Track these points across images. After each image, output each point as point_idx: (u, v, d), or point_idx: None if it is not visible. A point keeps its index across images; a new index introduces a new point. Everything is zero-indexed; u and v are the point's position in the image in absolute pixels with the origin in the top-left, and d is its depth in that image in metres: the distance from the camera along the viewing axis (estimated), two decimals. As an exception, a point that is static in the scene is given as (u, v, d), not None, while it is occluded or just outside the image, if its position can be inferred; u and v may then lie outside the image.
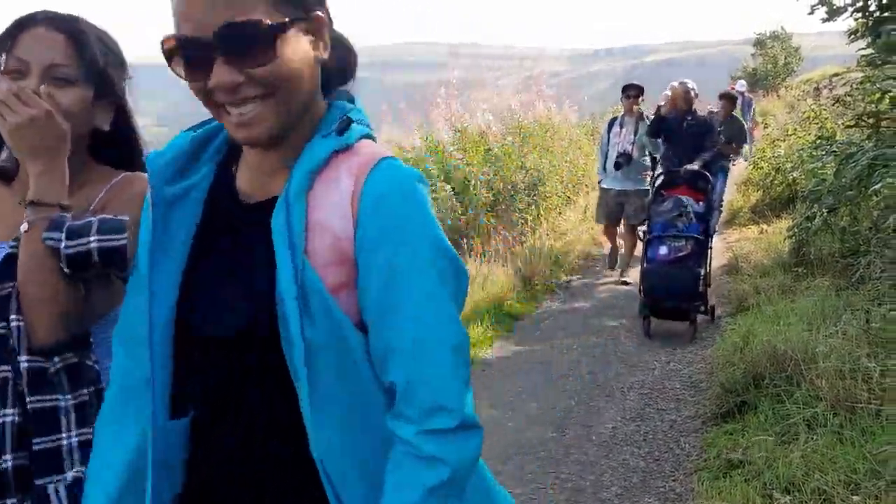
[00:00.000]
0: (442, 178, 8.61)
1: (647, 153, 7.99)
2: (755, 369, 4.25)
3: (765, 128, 14.84)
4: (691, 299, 5.85)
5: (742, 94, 16.45)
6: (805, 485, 3.01)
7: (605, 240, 8.69)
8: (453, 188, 8.54)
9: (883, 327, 3.87)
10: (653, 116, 7.59)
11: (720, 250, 8.85)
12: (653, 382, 5.01)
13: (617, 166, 7.67)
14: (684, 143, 6.94)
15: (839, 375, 3.67)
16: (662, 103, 7.79)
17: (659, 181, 6.69)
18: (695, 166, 6.51)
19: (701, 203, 6.25)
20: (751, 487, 3.18)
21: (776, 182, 10.12)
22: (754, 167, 11.60)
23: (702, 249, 6.04)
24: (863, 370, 3.61)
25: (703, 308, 6.02)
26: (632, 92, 7.97)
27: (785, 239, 7.09)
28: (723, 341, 5.15)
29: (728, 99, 9.42)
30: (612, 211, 7.96)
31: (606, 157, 7.91)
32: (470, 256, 7.71)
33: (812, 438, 3.37)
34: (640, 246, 7.26)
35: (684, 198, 6.19)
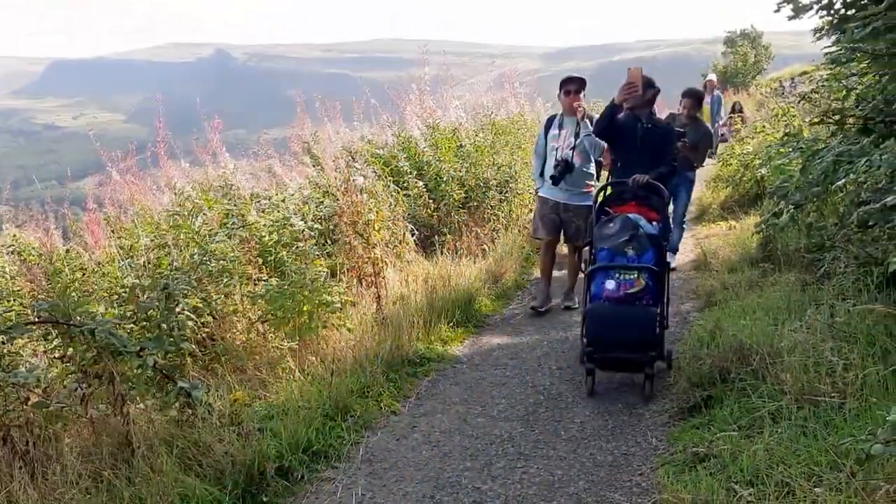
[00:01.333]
0: (414, 174, 8.58)
1: (592, 160, 6.68)
2: (722, 364, 4.29)
3: (735, 127, 14.93)
4: (646, 347, 4.66)
5: (714, 87, 16.38)
6: (769, 478, 3.03)
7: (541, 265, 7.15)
8: (425, 184, 8.51)
9: (847, 322, 3.92)
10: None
11: (690, 246, 8.91)
12: (621, 377, 5.03)
13: (555, 180, 6.48)
14: (638, 150, 5.61)
15: (803, 369, 3.71)
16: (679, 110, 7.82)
17: (603, 196, 5.53)
18: (646, 177, 5.28)
19: (655, 223, 5.12)
20: (716, 481, 3.20)
21: (745, 178, 10.22)
22: (723, 164, 11.70)
23: (658, 283, 4.86)
24: (826, 364, 3.65)
25: (659, 355, 4.79)
26: (572, 87, 6.48)
27: (753, 235, 7.16)
28: (690, 336, 5.19)
29: (692, 98, 8.04)
30: (550, 223, 6.73)
31: (544, 163, 6.75)
32: (441, 253, 7.69)
33: (776, 431, 3.40)
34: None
35: (634, 216, 5.09)
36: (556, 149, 6.54)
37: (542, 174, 6.76)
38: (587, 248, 5.33)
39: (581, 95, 6.55)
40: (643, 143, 5.57)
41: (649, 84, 5.62)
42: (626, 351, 4.67)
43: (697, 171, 8.43)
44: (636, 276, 4.80)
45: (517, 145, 10.38)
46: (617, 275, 4.83)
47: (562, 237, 6.85)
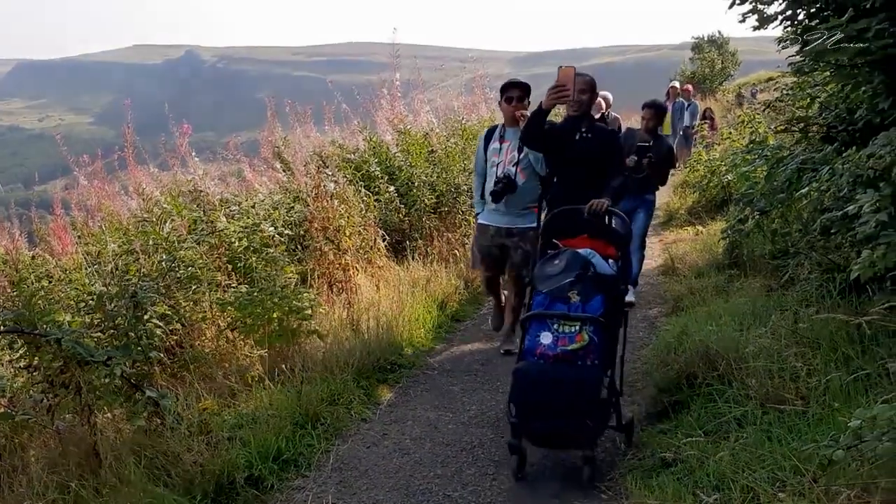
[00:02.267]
0: (385, 179, 8.58)
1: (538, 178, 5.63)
2: (689, 369, 4.34)
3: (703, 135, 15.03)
4: (584, 418, 3.65)
5: (677, 94, 16.27)
6: (734, 483, 3.08)
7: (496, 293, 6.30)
8: (397, 189, 8.51)
9: (810, 328, 3.99)
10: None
11: (657, 251, 9.01)
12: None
13: (495, 196, 5.52)
14: (577, 163, 4.90)
15: (768, 375, 3.77)
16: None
17: (548, 224, 4.48)
18: (605, 201, 4.36)
19: (612, 261, 4.14)
20: (682, 486, 3.25)
21: (711, 184, 10.36)
22: (691, 170, 11.84)
23: (607, 338, 3.88)
24: (790, 370, 3.72)
25: (610, 426, 3.96)
26: (514, 93, 5.60)
27: (719, 240, 7.26)
28: (658, 342, 5.25)
29: (653, 109, 7.12)
30: (491, 258, 5.84)
31: (484, 182, 5.78)
32: (413, 258, 7.70)
33: (742, 436, 3.45)
34: None
35: (586, 252, 4.08)
36: (498, 164, 5.63)
37: (482, 195, 5.82)
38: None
39: (525, 103, 5.73)
40: (583, 154, 4.88)
41: (590, 87, 5.00)
42: (557, 421, 3.69)
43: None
44: (578, 328, 3.79)
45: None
46: (555, 326, 3.83)
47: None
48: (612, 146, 5.06)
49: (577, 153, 4.91)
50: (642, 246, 7.20)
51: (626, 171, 5.80)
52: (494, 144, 5.74)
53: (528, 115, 5.16)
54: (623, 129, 8.10)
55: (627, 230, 4.42)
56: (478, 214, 5.95)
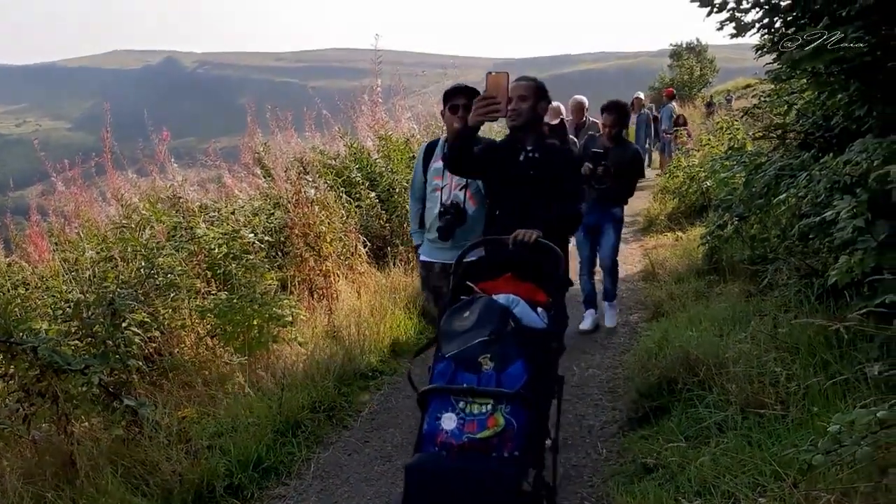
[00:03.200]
0: (367, 185, 8.57)
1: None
2: (670, 374, 4.36)
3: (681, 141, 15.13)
4: None
5: (641, 106, 16.17)
6: (715, 488, 3.09)
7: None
8: (378, 195, 8.50)
9: (789, 333, 4.02)
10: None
11: (638, 257, 9.05)
12: (572, 388, 5.07)
13: (443, 234, 4.33)
14: (521, 189, 3.84)
15: (748, 380, 3.79)
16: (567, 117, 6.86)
17: (460, 262, 3.47)
18: (535, 233, 3.40)
19: (541, 309, 3.20)
20: (664, 491, 3.25)
21: (691, 190, 10.42)
22: (670, 176, 11.91)
23: (532, 419, 2.81)
24: (770, 374, 3.74)
25: None
26: (460, 101, 4.24)
27: (699, 246, 7.30)
28: (639, 347, 5.27)
29: (615, 112, 6.15)
30: (441, 296, 4.39)
31: (424, 209, 4.65)
32: (395, 264, 7.68)
33: (722, 441, 3.46)
34: None
35: (507, 298, 3.14)
36: (442, 188, 4.47)
37: (420, 225, 4.70)
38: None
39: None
40: (527, 177, 3.82)
41: (535, 92, 3.89)
42: None
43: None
44: (491, 408, 2.78)
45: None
46: (461, 405, 2.80)
47: None
48: (566, 166, 3.92)
49: (521, 177, 3.83)
50: (613, 268, 6.40)
51: (587, 185, 5.61)
52: (437, 164, 4.47)
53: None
54: (584, 138, 7.22)
55: (560, 267, 3.37)
56: (417, 247, 4.77)
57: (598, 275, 6.58)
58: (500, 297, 3.15)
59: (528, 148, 3.86)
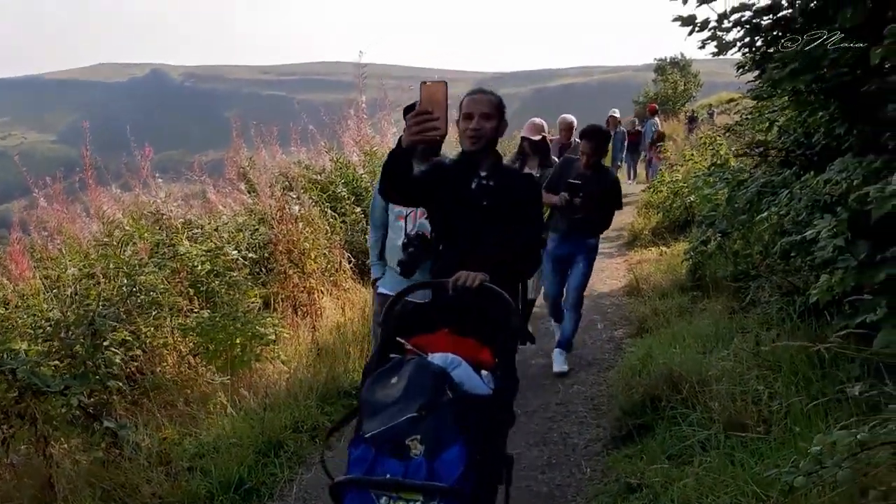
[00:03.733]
0: (352, 199, 8.56)
1: None
2: (653, 392, 4.36)
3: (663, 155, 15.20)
4: None
5: (617, 124, 15.89)
6: (698, 508, 3.08)
7: None
8: (363, 210, 8.49)
9: (771, 351, 4.03)
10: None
11: (622, 272, 9.07)
12: (557, 406, 5.07)
13: (405, 268, 3.85)
14: (473, 221, 3.19)
15: (731, 398, 3.79)
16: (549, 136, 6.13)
17: (388, 313, 2.94)
18: (478, 277, 2.84)
19: (486, 372, 2.69)
20: (647, 512, 3.25)
21: (675, 205, 10.47)
22: (654, 191, 11.97)
23: None
24: (752, 393, 3.74)
25: None
26: None
27: (683, 261, 7.32)
28: (623, 364, 5.27)
29: (593, 139, 5.52)
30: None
31: (384, 241, 4.41)
32: (379, 280, 7.66)
33: (706, 460, 3.46)
34: None
35: (444, 359, 2.59)
36: (406, 216, 4.17)
37: (380, 256, 4.45)
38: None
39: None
40: (481, 208, 3.15)
41: (497, 109, 3.20)
42: None
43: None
44: None
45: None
46: (383, 500, 2.29)
47: None
48: (526, 196, 3.24)
49: (472, 207, 3.14)
50: (579, 304, 5.78)
51: (560, 214, 5.45)
52: None
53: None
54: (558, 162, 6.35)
55: (514, 321, 2.81)
56: (376, 280, 4.48)
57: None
58: (437, 358, 2.57)
59: (483, 173, 3.16)
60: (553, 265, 5.81)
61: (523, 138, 6.35)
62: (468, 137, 3.12)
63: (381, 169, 3.09)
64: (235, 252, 6.10)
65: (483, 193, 3.15)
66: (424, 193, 3.21)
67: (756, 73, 4.89)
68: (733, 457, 3.39)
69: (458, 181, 3.19)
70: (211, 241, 6.31)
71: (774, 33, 4.37)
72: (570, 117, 8.37)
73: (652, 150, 15.95)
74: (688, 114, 23.04)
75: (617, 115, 15.93)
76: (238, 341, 5.18)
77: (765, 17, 4.25)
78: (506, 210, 3.14)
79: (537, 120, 6.42)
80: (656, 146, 15.60)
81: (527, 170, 6.30)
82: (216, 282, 5.85)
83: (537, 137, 6.22)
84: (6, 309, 5.21)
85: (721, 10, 4.15)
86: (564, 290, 5.89)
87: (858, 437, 2.40)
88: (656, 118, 17.43)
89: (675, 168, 12.24)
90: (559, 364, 5.72)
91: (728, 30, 4.38)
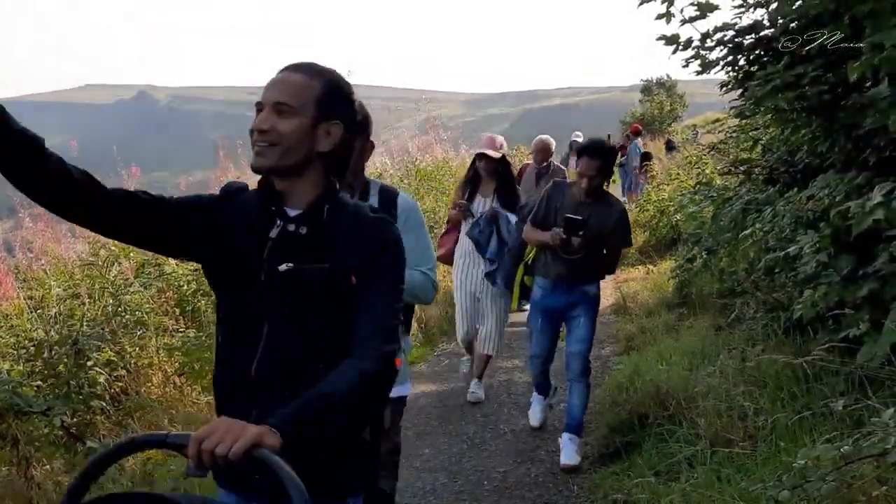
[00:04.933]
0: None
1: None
2: (640, 409, 4.36)
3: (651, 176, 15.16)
4: None
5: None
6: (685, 524, 3.08)
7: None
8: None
9: (756, 366, 4.04)
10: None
11: (609, 290, 9.09)
12: (544, 424, 5.05)
13: None
14: (264, 297, 1.74)
15: (717, 414, 3.79)
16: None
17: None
18: (247, 440, 1.33)
19: None
20: (634, 529, 3.24)
21: (661, 224, 10.53)
22: (641, 210, 12.04)
23: None
24: (738, 409, 3.75)
25: None
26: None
27: (669, 279, 7.36)
28: (610, 381, 5.27)
29: (598, 157, 4.24)
30: None
31: None
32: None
33: (692, 476, 3.46)
34: None
35: None
36: None
37: None
38: None
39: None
40: (286, 283, 1.72)
41: (329, 103, 1.78)
42: None
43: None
44: None
45: (441, 191, 10.49)
46: None
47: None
48: (375, 251, 1.76)
49: (268, 278, 1.73)
50: (586, 371, 4.47)
51: (553, 253, 4.32)
52: None
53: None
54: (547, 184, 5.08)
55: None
56: None
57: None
58: None
59: (293, 213, 1.77)
60: (543, 319, 4.55)
61: (476, 156, 5.28)
62: (252, 145, 1.75)
63: None
64: (222, 271, 6.08)
65: (291, 249, 1.73)
66: (157, 230, 1.83)
67: (739, 91, 4.95)
68: (720, 472, 3.38)
69: (248, 227, 1.78)
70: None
71: (756, 52, 4.43)
72: (548, 138, 7.18)
73: (639, 172, 15.94)
74: (666, 138, 22.95)
75: (580, 137, 12.56)
76: (224, 361, 5.15)
77: (747, 37, 4.30)
78: (337, 283, 1.71)
79: (498, 137, 5.40)
80: (643, 166, 15.62)
81: (477, 202, 5.34)
82: (202, 301, 5.83)
83: (496, 154, 5.12)
84: (-11, 329, 5.18)
85: (704, 30, 4.20)
86: (567, 351, 4.56)
87: (842, 450, 2.41)
88: (639, 139, 17.45)
89: (660, 187, 12.31)
90: (569, 455, 4.33)
91: (711, 49, 4.44)
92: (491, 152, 5.17)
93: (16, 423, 3.65)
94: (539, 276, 4.50)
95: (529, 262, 4.62)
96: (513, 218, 5.11)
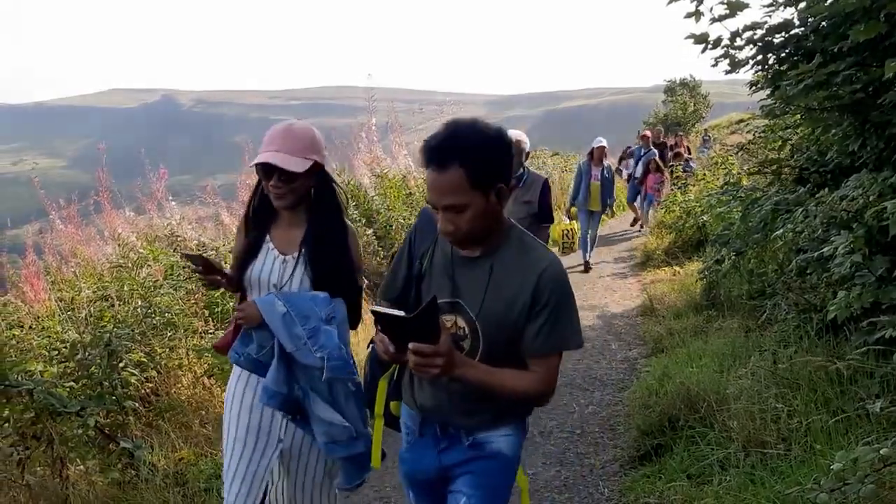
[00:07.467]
0: (363, 222, 8.58)
1: None
2: (670, 411, 4.33)
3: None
4: None
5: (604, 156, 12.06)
6: (719, 527, 3.05)
7: None
8: (375, 233, 8.52)
9: (789, 368, 4.00)
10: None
11: (635, 292, 9.04)
12: (572, 426, 5.04)
13: None
14: None
15: (749, 416, 3.76)
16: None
17: None
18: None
19: None
20: (667, 531, 3.21)
21: (688, 225, 10.45)
22: (667, 211, 11.95)
23: None
24: (771, 411, 3.71)
25: None
26: None
27: (697, 280, 7.30)
28: (639, 384, 5.23)
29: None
30: None
31: None
32: (391, 301, 7.66)
33: (725, 479, 3.43)
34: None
35: None
36: None
37: None
38: None
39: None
40: None
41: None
42: None
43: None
44: None
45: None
46: None
47: None
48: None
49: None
50: None
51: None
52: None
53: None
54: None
55: None
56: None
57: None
58: None
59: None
60: (412, 493, 2.55)
61: None
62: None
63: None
64: (249, 273, 6.11)
65: None
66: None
67: (768, 90, 4.90)
68: (753, 475, 3.36)
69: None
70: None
71: (786, 51, 4.39)
72: (519, 133, 5.41)
73: (654, 178, 13.87)
74: (702, 135, 22.80)
75: (604, 144, 10.99)
76: (252, 362, 5.18)
77: (777, 35, 4.26)
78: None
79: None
80: (657, 178, 13.81)
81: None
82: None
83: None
84: (21, 331, 5.23)
85: (733, 29, 4.16)
86: None
87: (881, 452, 2.38)
88: (652, 148, 14.52)
89: (686, 188, 12.19)
90: None
91: (741, 48, 4.40)
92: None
93: (50, 423, 3.69)
94: (404, 402, 2.47)
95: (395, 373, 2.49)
96: None
